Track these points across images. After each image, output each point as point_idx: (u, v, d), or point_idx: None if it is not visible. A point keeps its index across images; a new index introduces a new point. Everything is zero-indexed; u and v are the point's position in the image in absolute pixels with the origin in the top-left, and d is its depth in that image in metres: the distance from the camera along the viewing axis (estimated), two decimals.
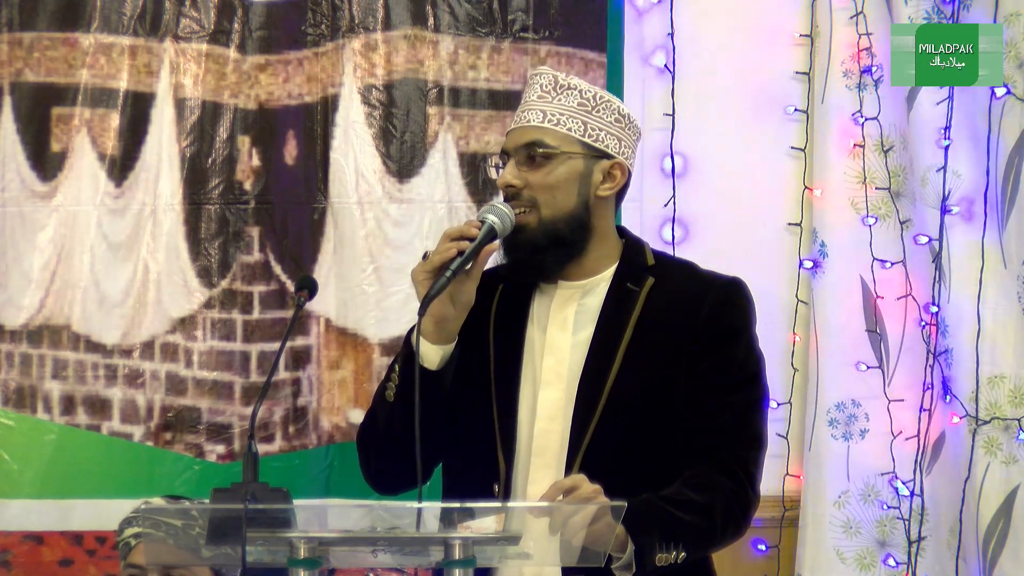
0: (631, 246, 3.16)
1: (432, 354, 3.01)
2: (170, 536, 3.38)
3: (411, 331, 3.04)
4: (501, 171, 3.10)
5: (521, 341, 3.10)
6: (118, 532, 3.53)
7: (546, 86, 3.11)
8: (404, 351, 3.04)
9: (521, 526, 2.69)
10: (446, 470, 3.17)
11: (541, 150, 3.06)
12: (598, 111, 3.11)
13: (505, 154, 3.12)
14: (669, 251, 4.46)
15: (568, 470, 2.99)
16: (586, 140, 3.09)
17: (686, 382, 3.03)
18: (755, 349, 3.12)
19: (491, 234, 3.00)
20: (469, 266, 2.98)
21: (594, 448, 3.01)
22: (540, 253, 3.06)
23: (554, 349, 3.08)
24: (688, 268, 3.20)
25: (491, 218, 3.01)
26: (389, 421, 3.03)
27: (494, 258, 3.10)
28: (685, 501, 2.95)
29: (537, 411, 3.05)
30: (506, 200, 3.08)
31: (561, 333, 3.08)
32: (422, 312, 2.91)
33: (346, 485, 4.56)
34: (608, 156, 3.11)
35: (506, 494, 3.03)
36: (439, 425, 3.03)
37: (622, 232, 3.19)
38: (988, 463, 4.41)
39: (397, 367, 3.03)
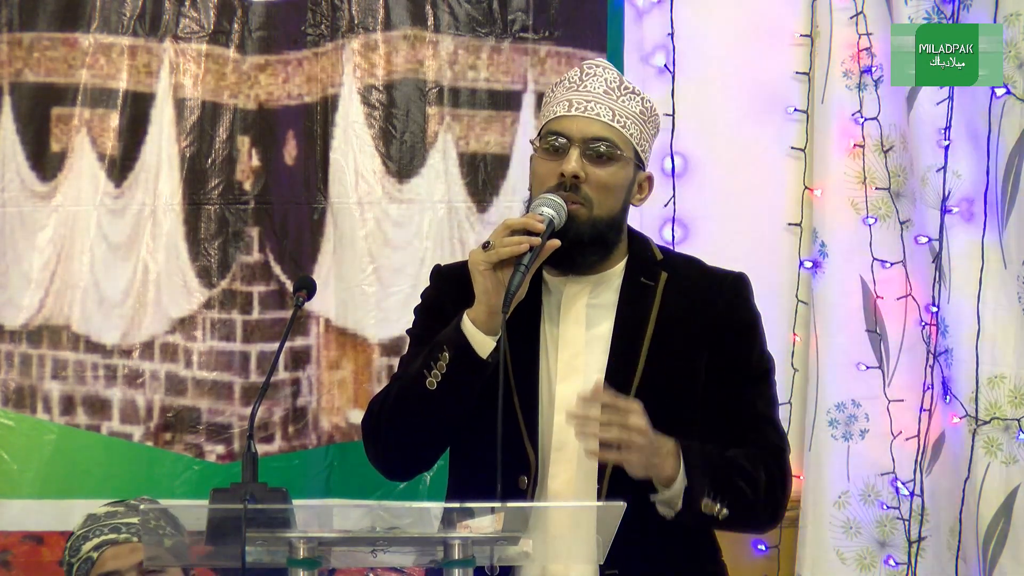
0: (637, 242, 3.17)
1: (486, 345, 2.99)
2: (134, 535, 3.37)
3: (458, 321, 3.00)
4: (553, 153, 3.05)
5: (537, 335, 3.09)
6: (71, 554, 3.47)
7: (611, 83, 3.09)
8: (457, 341, 2.99)
9: (544, 524, 2.69)
10: (462, 464, 3.15)
11: (616, 151, 3.05)
12: (649, 123, 3.12)
13: (563, 138, 3.06)
14: None
15: (603, 466, 2.99)
16: (637, 149, 3.09)
17: (709, 375, 3.06)
18: (766, 344, 3.18)
19: (551, 228, 2.98)
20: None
21: None
22: (583, 247, 3.05)
23: (569, 344, 3.08)
24: (695, 263, 3.22)
25: (548, 211, 2.98)
26: (425, 410, 3.01)
27: None
28: (738, 466, 3.01)
29: (555, 405, 3.05)
30: (562, 189, 3.03)
31: (575, 328, 3.08)
32: (506, 308, 2.90)
33: (346, 485, 4.56)
34: (644, 168, 3.13)
35: (533, 487, 3.03)
36: (468, 413, 3.03)
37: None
38: (988, 463, 4.41)
39: (446, 356, 2.99)
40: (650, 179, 3.15)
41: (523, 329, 3.08)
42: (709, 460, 2.98)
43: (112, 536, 3.43)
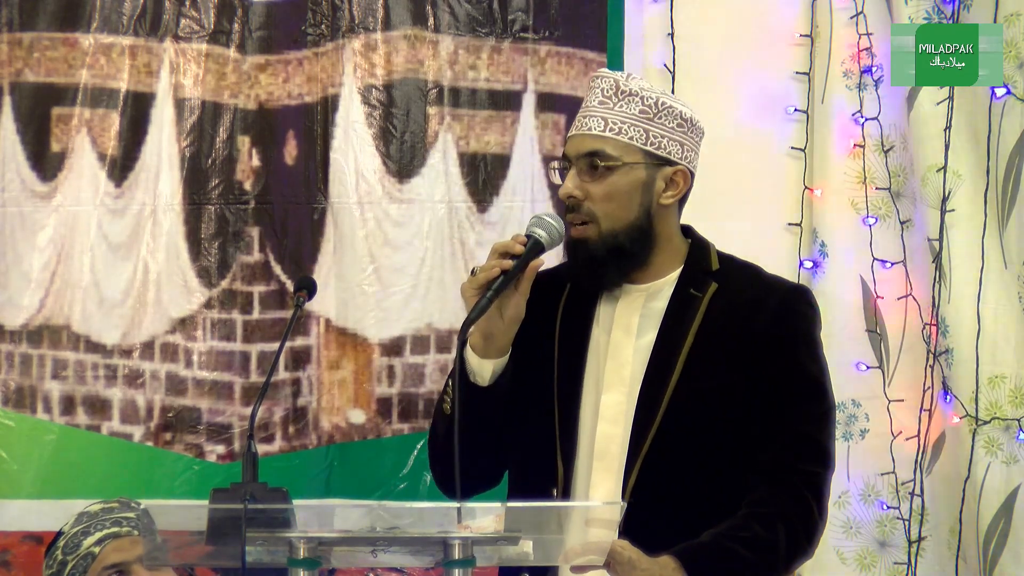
0: (696, 249, 3.13)
1: (483, 369, 2.99)
2: (135, 529, 3.36)
3: (463, 344, 3.01)
4: (562, 179, 3.06)
5: (586, 343, 3.07)
6: (67, 552, 3.44)
7: (607, 91, 3.06)
8: (457, 366, 3.00)
9: (580, 529, 2.68)
10: (510, 471, 3.15)
11: (602, 162, 3.02)
12: (660, 117, 3.06)
13: (566, 159, 3.07)
14: None
15: (628, 475, 2.98)
16: (648, 148, 3.04)
17: (748, 390, 3.00)
18: (820, 358, 3.08)
19: (537, 248, 2.97)
20: (516, 281, 2.96)
21: (654, 453, 2.98)
22: (601, 266, 3.03)
23: (617, 352, 3.05)
24: (752, 272, 3.15)
25: (538, 231, 2.98)
26: (447, 435, 3.00)
27: (559, 254, 3.09)
28: (749, 538, 2.91)
29: (599, 414, 3.03)
30: (567, 211, 3.04)
31: (625, 337, 3.05)
32: (463, 336, 2.89)
33: (346, 485, 4.56)
34: (671, 163, 3.07)
35: (565, 497, 3.01)
36: (497, 434, 3.03)
37: (688, 232, 3.16)
38: (988, 463, 4.41)
39: (451, 382, 3.01)
40: (683, 173, 3.08)
41: (573, 336, 3.07)
42: (717, 554, 2.90)
43: (115, 530, 3.41)
